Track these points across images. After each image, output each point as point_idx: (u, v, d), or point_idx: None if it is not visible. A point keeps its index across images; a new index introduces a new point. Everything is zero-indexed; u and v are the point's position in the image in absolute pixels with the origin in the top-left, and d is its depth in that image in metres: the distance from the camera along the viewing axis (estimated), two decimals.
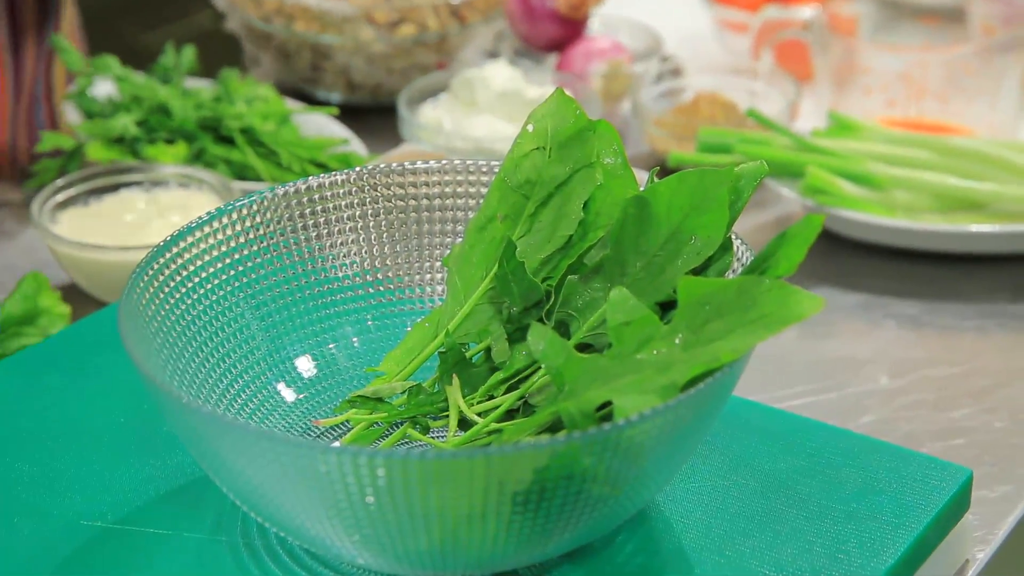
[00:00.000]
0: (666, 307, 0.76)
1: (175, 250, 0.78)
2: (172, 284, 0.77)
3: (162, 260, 0.77)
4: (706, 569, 0.74)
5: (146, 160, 1.16)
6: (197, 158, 1.17)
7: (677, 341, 0.71)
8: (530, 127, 0.80)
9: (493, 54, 1.42)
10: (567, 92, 0.81)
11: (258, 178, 1.17)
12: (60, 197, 1.09)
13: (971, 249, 1.13)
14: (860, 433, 0.83)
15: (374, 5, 1.34)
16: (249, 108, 1.21)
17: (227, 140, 1.19)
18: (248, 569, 0.73)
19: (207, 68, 1.32)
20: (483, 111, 1.24)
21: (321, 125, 1.26)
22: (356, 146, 1.23)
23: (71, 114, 1.22)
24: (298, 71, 1.37)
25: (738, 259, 0.77)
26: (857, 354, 1.04)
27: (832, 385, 1.00)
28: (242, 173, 1.18)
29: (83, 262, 1.04)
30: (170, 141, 1.18)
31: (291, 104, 1.27)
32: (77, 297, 1.07)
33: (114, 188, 1.11)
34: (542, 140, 0.80)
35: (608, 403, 0.69)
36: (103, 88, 1.26)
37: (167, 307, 0.76)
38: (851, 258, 1.14)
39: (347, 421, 0.78)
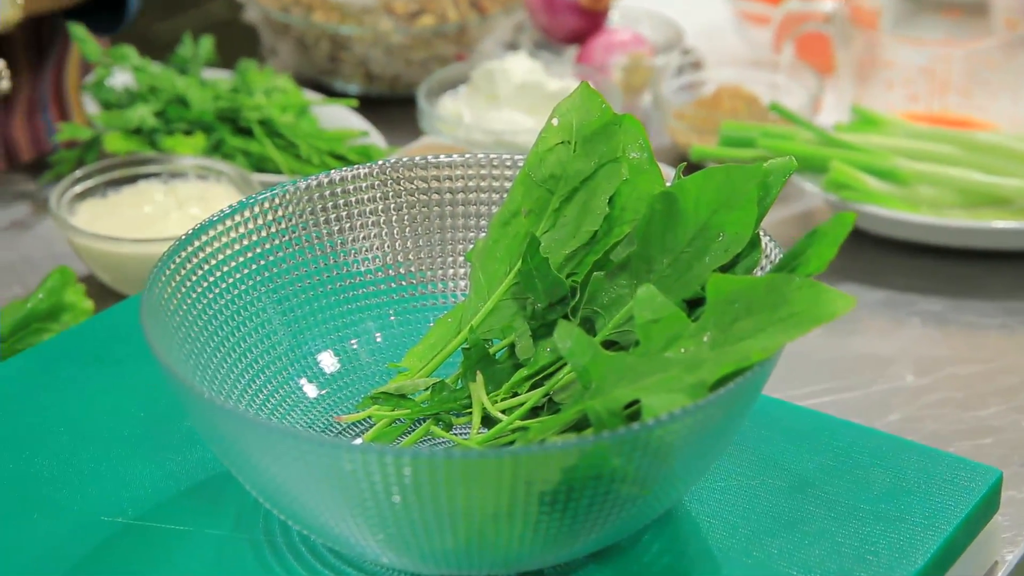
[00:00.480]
0: (693, 304, 0.75)
1: (197, 243, 0.77)
2: (195, 277, 0.76)
3: (184, 253, 0.76)
4: (733, 570, 0.73)
5: (164, 151, 1.15)
6: (215, 150, 1.17)
7: (705, 339, 0.70)
8: (555, 121, 0.79)
9: (512, 46, 1.41)
10: (579, 86, 0.80)
11: (277, 170, 1.16)
12: (78, 188, 1.08)
13: (996, 245, 1.12)
14: (887, 432, 0.82)
15: None
16: (268, 99, 1.21)
17: (245, 132, 1.18)
18: (270, 567, 0.72)
19: (223, 59, 1.31)
20: (503, 104, 1.23)
21: (339, 117, 1.26)
22: (375, 138, 1.22)
23: (88, 105, 1.22)
24: (316, 62, 1.36)
25: (767, 256, 0.76)
26: (882, 351, 1.03)
27: (857, 383, 0.99)
28: (261, 165, 1.17)
29: (101, 254, 1.04)
30: (188, 132, 1.18)
31: (310, 95, 1.26)
32: (95, 288, 1.07)
33: (132, 180, 1.10)
34: (567, 134, 0.79)
35: (635, 402, 0.68)
36: (120, 79, 1.25)
37: (189, 300, 0.76)
38: (875, 254, 1.14)
39: (369, 417, 0.78)
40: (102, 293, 1.06)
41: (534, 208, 0.80)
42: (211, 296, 0.77)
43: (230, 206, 0.79)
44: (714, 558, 0.74)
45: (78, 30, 1.20)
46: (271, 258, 0.80)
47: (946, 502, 0.77)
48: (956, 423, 0.95)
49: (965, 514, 0.76)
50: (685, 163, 0.79)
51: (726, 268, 0.74)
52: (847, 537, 0.75)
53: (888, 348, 1.03)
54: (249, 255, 0.80)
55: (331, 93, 1.35)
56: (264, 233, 0.80)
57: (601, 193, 0.79)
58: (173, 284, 0.75)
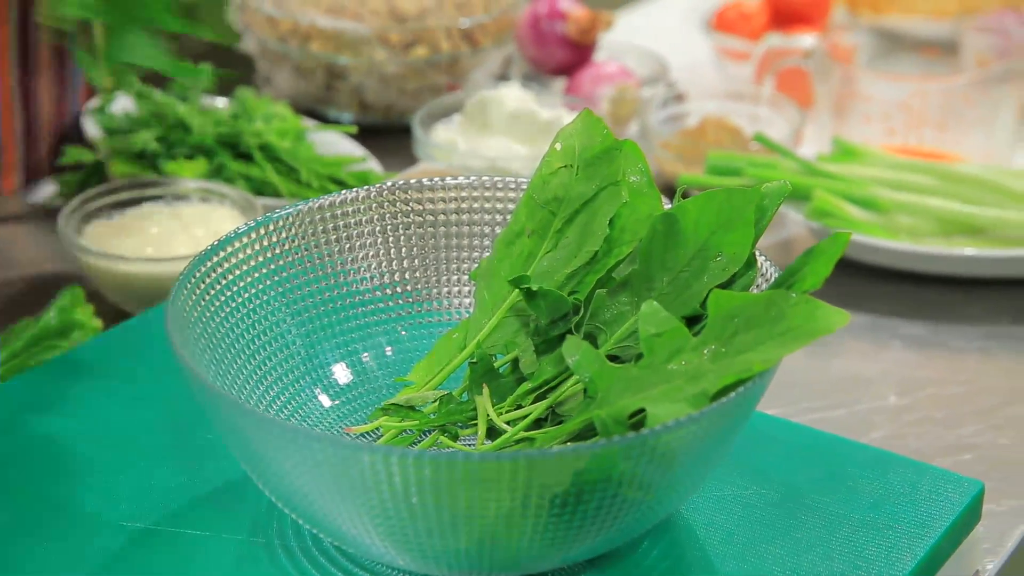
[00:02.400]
0: (691, 321, 0.78)
1: (216, 259, 0.80)
2: (214, 291, 0.79)
3: (204, 268, 0.79)
4: (729, 575, 0.76)
5: (167, 175, 1.18)
6: (217, 174, 1.19)
7: (706, 352, 0.73)
8: (558, 145, 0.83)
9: (503, 77, 1.44)
10: (581, 113, 0.84)
11: (277, 194, 1.19)
12: (87, 208, 1.11)
13: (973, 273, 1.16)
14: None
15: (388, 27, 1.36)
16: (266, 125, 1.24)
17: (246, 156, 1.21)
18: (286, 570, 0.75)
19: (218, 86, 1.34)
20: (496, 132, 1.26)
21: (335, 143, 1.29)
22: (372, 164, 1.25)
23: (91, 129, 1.24)
24: (312, 90, 1.39)
25: (762, 275, 0.79)
26: (865, 373, 1.06)
27: (841, 402, 1.02)
28: (261, 189, 1.20)
29: (112, 273, 1.06)
30: (190, 157, 1.20)
31: (307, 122, 1.29)
32: (99, 306, 1.08)
33: (137, 202, 1.13)
34: (570, 158, 0.83)
35: (640, 411, 0.72)
36: (120, 104, 1.27)
37: (209, 312, 0.78)
38: (857, 280, 1.17)
39: (377, 428, 0.80)
40: (101, 310, 1.07)
41: (537, 229, 0.83)
42: (231, 307, 0.80)
43: (246, 224, 0.82)
44: (711, 564, 0.77)
45: (83, 56, 1.23)
46: (285, 274, 0.83)
47: (932, 512, 0.80)
48: (937, 440, 0.98)
49: (949, 524, 0.80)
50: (684, 188, 0.82)
51: (723, 287, 0.77)
52: (838, 545, 0.78)
53: (871, 370, 1.07)
54: (264, 271, 0.82)
55: (326, 121, 1.38)
56: (278, 250, 0.83)
57: (602, 215, 0.82)
58: (195, 296, 0.77)
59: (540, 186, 0.83)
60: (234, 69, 1.34)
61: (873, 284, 1.17)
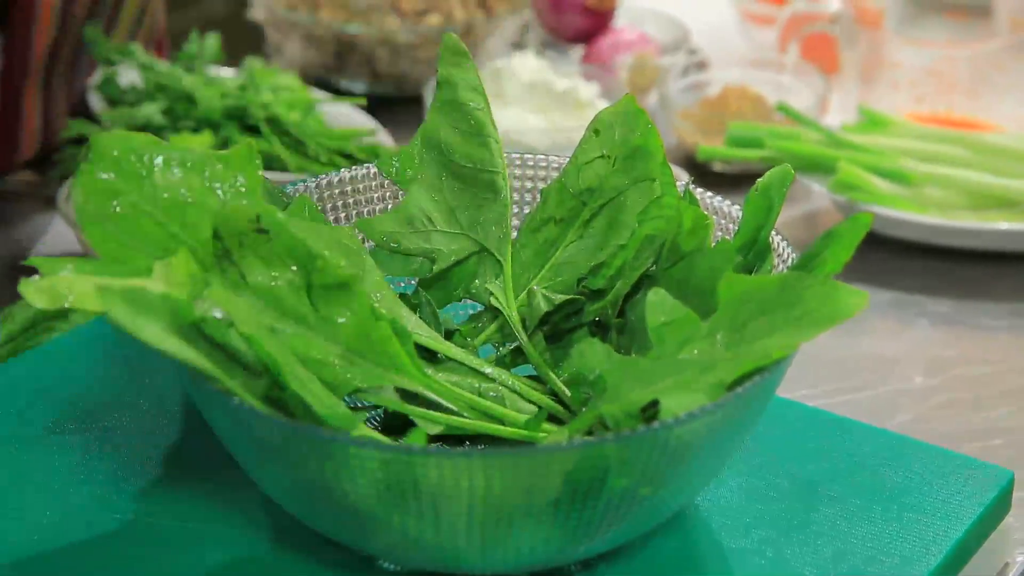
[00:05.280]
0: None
1: None
2: None
3: None
4: (747, 570, 0.73)
5: None
6: (223, 148, 1.17)
7: (718, 339, 0.70)
8: (595, 132, 0.79)
9: (519, 45, 1.41)
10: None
11: (284, 168, 1.16)
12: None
13: (1003, 247, 1.13)
14: (897, 433, 0.82)
15: None
16: (274, 97, 1.21)
17: (253, 129, 1.18)
18: (282, 565, 0.73)
19: (227, 56, 1.31)
20: (511, 103, 1.23)
21: (345, 115, 1.26)
22: (382, 137, 1.22)
23: (95, 102, 1.22)
24: (322, 60, 1.36)
25: (779, 256, 0.76)
26: (890, 352, 1.03)
27: (865, 383, 0.99)
28: (267, 163, 1.17)
29: None
30: (195, 130, 1.18)
31: (316, 94, 1.26)
32: None
33: None
34: (608, 148, 0.79)
35: (652, 404, 0.69)
36: (126, 77, 1.25)
37: None
38: (882, 255, 1.14)
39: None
40: None
41: (566, 217, 0.80)
42: None
43: None
44: (727, 558, 0.74)
45: (91, 31, 1.20)
46: None
47: (958, 503, 0.77)
48: (965, 424, 0.95)
49: (977, 515, 0.77)
50: (693, 178, 0.79)
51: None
52: (859, 538, 0.75)
53: (896, 349, 1.04)
54: None
55: (336, 91, 1.35)
56: None
57: (631, 208, 0.79)
58: None
59: (575, 174, 0.80)
60: (243, 38, 1.32)
61: (899, 259, 1.14)
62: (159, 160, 0.72)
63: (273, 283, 0.69)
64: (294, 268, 0.70)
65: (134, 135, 0.71)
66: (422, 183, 0.80)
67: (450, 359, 0.77)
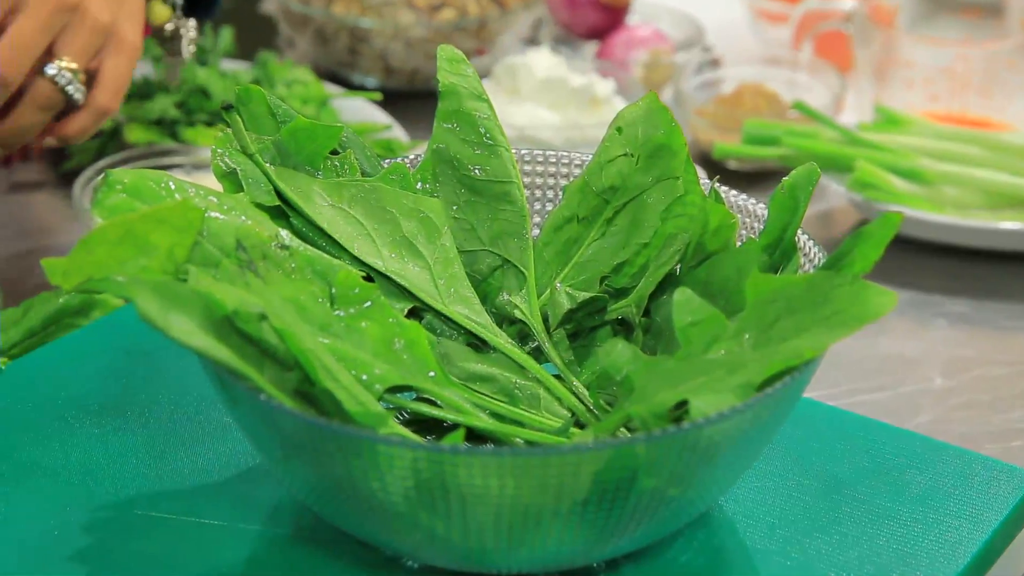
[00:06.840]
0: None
1: None
2: None
3: None
4: (771, 571, 0.73)
5: (185, 143, 1.14)
6: None
7: (746, 339, 0.69)
8: (618, 130, 0.79)
9: (532, 41, 1.40)
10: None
11: None
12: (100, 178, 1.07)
13: (1021, 247, 1.12)
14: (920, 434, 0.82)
15: None
16: (288, 91, 1.20)
17: None
18: (302, 561, 0.72)
19: (239, 49, 1.30)
20: (525, 99, 1.23)
21: (359, 110, 1.25)
22: (397, 132, 1.22)
23: None
24: (335, 54, 1.35)
25: (806, 255, 0.75)
26: (909, 352, 1.03)
27: (885, 384, 0.99)
28: None
29: None
30: (209, 124, 1.17)
31: (330, 88, 1.25)
32: None
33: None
34: (631, 146, 0.79)
35: (681, 404, 0.68)
36: (140, 69, 1.24)
37: None
38: (900, 255, 1.13)
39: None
40: None
41: (588, 215, 0.80)
42: None
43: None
44: (751, 559, 0.74)
45: None
46: None
47: (984, 505, 0.76)
48: (985, 425, 0.95)
49: (1003, 518, 0.76)
50: (719, 176, 0.78)
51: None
52: (884, 539, 0.74)
53: (915, 349, 1.03)
54: None
55: (349, 86, 1.34)
56: None
57: (654, 207, 0.78)
58: None
59: (597, 173, 0.79)
60: (256, 32, 1.31)
61: (916, 259, 1.13)
62: (173, 186, 0.73)
63: (299, 296, 0.70)
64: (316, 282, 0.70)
65: (148, 172, 0.72)
66: (441, 200, 0.80)
67: (497, 350, 0.76)
